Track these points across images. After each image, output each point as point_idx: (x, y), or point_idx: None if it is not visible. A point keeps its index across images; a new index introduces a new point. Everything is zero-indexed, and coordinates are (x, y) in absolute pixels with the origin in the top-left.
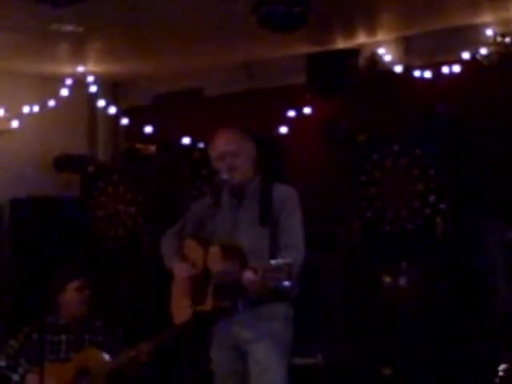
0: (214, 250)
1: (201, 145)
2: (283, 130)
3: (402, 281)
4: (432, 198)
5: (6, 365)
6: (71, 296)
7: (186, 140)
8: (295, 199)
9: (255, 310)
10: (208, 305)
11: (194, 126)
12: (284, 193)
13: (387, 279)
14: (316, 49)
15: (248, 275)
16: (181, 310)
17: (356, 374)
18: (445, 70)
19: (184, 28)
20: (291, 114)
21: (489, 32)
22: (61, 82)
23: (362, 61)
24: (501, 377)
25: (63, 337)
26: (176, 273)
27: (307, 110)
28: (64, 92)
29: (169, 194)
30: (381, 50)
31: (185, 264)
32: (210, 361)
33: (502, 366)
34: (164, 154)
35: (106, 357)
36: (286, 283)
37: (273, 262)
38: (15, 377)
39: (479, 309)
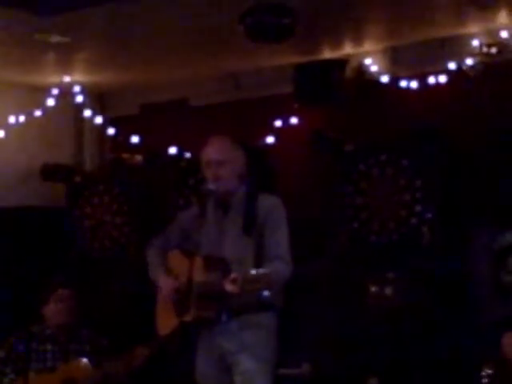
0: (198, 261)
1: (187, 154)
2: (270, 139)
3: (389, 290)
4: (418, 208)
5: None
6: (56, 306)
7: (173, 150)
8: (281, 210)
9: (239, 320)
10: (191, 315)
11: (180, 136)
12: (270, 204)
13: (373, 289)
14: (303, 59)
15: (228, 285)
16: (165, 321)
17: (342, 383)
18: (431, 80)
19: (171, 38)
20: (278, 123)
21: (475, 42)
22: (47, 92)
23: (348, 71)
24: (485, 382)
25: (49, 346)
26: (161, 286)
27: (294, 120)
28: (50, 102)
29: (155, 203)
30: (367, 61)
31: (169, 278)
32: (193, 372)
33: (486, 372)
34: (150, 164)
35: (91, 367)
36: (265, 293)
37: (252, 271)
38: None
39: (466, 317)
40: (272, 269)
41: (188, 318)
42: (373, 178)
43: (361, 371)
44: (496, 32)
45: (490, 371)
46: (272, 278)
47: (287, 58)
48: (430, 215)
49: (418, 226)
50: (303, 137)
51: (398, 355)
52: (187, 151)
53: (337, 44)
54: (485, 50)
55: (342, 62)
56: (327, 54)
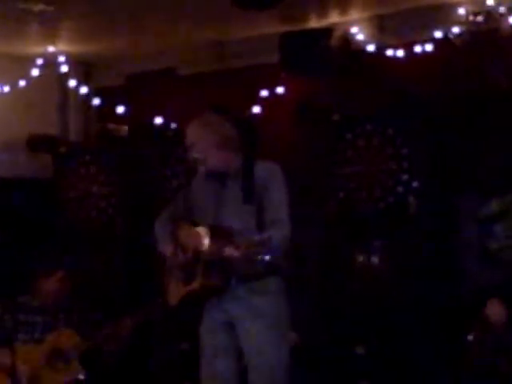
0: (203, 230)
1: (174, 124)
2: (256, 109)
3: (375, 259)
4: (405, 177)
5: None
6: (54, 286)
7: (159, 120)
8: (279, 175)
9: (247, 286)
10: (198, 283)
11: (166, 106)
12: (267, 170)
13: (360, 258)
14: (289, 28)
15: (230, 251)
16: (174, 291)
17: (330, 352)
18: (417, 48)
19: (156, 7)
20: (264, 93)
21: (461, 11)
22: (31, 62)
23: (335, 40)
24: (469, 345)
25: (39, 318)
26: (168, 256)
27: (280, 90)
28: (35, 72)
29: (142, 174)
30: (354, 29)
31: (175, 247)
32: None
33: (470, 336)
34: (137, 135)
35: (79, 337)
36: (266, 257)
37: (255, 237)
38: None
39: (453, 285)
40: (272, 233)
41: (195, 286)
42: (359, 147)
43: (348, 340)
44: (482, 0)
45: (473, 337)
46: (273, 242)
47: (274, 26)
48: (416, 184)
49: (404, 195)
50: (290, 106)
51: (384, 324)
52: (174, 121)
53: (323, 12)
54: (471, 18)
55: (328, 31)
56: (313, 22)
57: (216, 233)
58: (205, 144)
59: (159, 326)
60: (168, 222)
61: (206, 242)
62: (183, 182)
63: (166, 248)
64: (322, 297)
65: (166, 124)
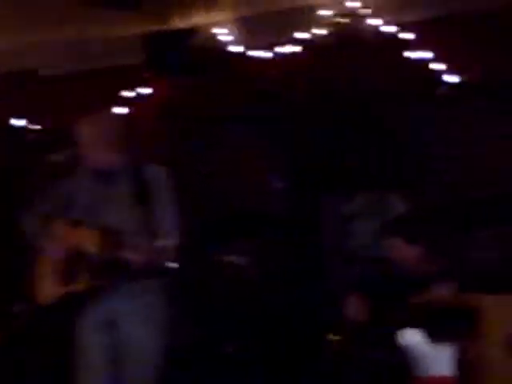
0: (90, 230)
1: (36, 126)
2: (121, 110)
3: (242, 260)
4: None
5: None
6: None
7: (21, 122)
8: (165, 178)
9: (130, 286)
10: (82, 284)
11: (28, 107)
12: (155, 172)
13: (227, 258)
14: (153, 28)
15: (130, 254)
16: (48, 290)
17: (199, 352)
18: (281, 50)
19: (14, 5)
20: (129, 94)
21: (325, 12)
22: None
23: (199, 41)
24: (332, 343)
25: None
26: (48, 253)
27: (146, 91)
28: None
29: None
30: (218, 30)
31: (56, 245)
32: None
33: (333, 338)
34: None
35: None
36: (172, 263)
37: (160, 242)
38: None
39: (320, 284)
40: (170, 239)
41: (78, 286)
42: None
43: (216, 339)
44: (346, 2)
45: (335, 337)
46: (170, 248)
47: (138, 26)
48: (280, 184)
49: (270, 196)
50: (155, 107)
51: (252, 323)
52: (36, 122)
53: (187, 12)
54: (335, 19)
55: (192, 32)
56: (178, 23)
57: (105, 233)
58: (93, 142)
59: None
60: (41, 219)
61: (95, 242)
62: (57, 179)
63: (44, 243)
64: (189, 297)
65: (28, 125)
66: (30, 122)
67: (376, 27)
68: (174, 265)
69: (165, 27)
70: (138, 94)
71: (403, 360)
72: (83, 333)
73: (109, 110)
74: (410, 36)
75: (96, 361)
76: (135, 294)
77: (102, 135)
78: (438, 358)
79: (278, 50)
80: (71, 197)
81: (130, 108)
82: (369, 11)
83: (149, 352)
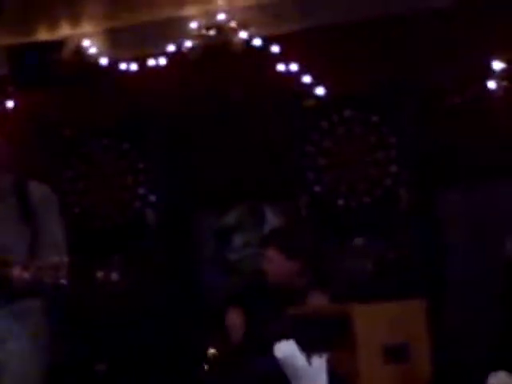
0: None
1: None
2: None
3: (115, 275)
4: (142, 191)
5: None
6: None
7: None
8: (53, 196)
9: (9, 307)
10: None
11: None
12: (41, 190)
13: (100, 274)
14: (18, 40)
15: (17, 272)
16: None
17: (71, 371)
18: (151, 62)
19: None
20: None
21: (193, 25)
22: None
23: (66, 53)
24: (208, 361)
25: None
26: None
27: (10, 104)
28: None
29: None
30: (86, 42)
31: None
32: None
33: (211, 352)
34: None
35: None
36: (63, 281)
37: (52, 259)
38: None
39: (194, 297)
40: (60, 255)
41: None
42: (94, 161)
43: (89, 357)
44: (214, 14)
45: (213, 350)
46: (62, 264)
47: (1, 38)
48: (154, 198)
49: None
50: (20, 121)
51: (125, 340)
52: None
53: (53, 25)
54: (203, 32)
55: (59, 44)
56: (44, 35)
57: None
58: None
59: None
60: None
61: None
62: None
63: None
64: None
65: None
66: None
67: (244, 40)
68: (64, 282)
69: (31, 39)
70: (4, 107)
71: (280, 371)
72: None
73: None
74: (277, 49)
75: None
76: (20, 312)
77: None
78: (314, 370)
79: (148, 62)
80: None
81: None
82: (235, 23)
83: (31, 371)
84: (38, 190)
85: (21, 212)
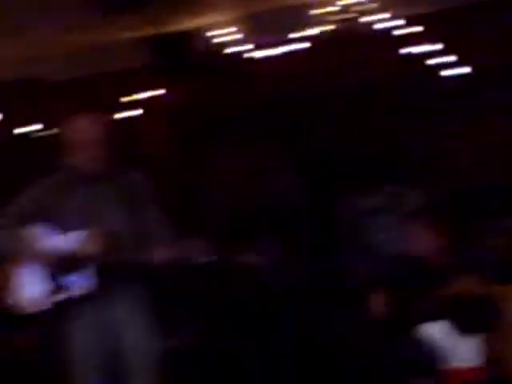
0: (87, 234)
1: (48, 131)
2: (134, 112)
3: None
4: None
5: None
6: None
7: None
8: (149, 184)
9: (124, 289)
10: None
11: (41, 113)
12: (140, 178)
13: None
14: (161, 31)
15: (160, 253)
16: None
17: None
18: (290, 47)
19: (16, 12)
20: (139, 97)
21: (331, 9)
22: None
23: (201, 42)
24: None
25: None
26: (38, 257)
27: (153, 93)
28: None
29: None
30: (224, 30)
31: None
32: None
33: None
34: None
35: None
36: (203, 259)
37: (185, 241)
38: None
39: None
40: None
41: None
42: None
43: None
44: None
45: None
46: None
47: (145, 30)
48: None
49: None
50: (166, 109)
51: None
52: (51, 128)
53: (193, 14)
54: (338, 17)
55: (190, 34)
56: (183, 25)
57: (106, 236)
58: (102, 142)
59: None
60: (18, 224)
61: (94, 246)
62: (55, 186)
63: (33, 248)
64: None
65: (41, 130)
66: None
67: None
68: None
69: (171, 29)
70: (149, 97)
71: (430, 353)
72: (77, 336)
73: (98, 113)
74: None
75: (91, 363)
76: (131, 296)
77: (90, 138)
78: (465, 350)
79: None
80: (45, 202)
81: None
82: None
83: (145, 354)
84: (136, 177)
85: (124, 197)
